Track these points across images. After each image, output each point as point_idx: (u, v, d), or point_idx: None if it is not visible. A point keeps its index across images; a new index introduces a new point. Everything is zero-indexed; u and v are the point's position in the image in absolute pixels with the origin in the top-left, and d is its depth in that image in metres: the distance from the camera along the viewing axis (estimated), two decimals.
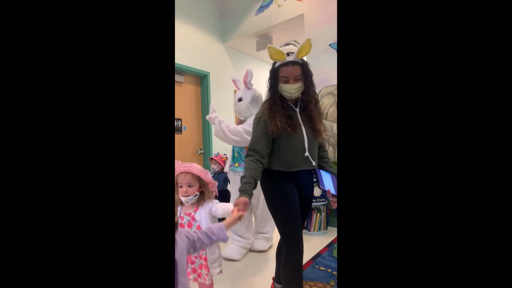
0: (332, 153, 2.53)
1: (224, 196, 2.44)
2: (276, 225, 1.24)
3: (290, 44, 3.80)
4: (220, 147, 3.23)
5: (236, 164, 2.12)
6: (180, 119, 3.21)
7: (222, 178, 2.58)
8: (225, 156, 2.62)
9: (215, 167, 2.59)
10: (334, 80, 2.57)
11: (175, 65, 3.00)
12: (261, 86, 5.23)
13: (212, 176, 2.28)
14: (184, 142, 3.27)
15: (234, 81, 2.42)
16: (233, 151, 2.20)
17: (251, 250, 2.14)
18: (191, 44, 3.20)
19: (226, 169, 2.28)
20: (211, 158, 2.77)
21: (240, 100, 2.23)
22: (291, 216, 1.18)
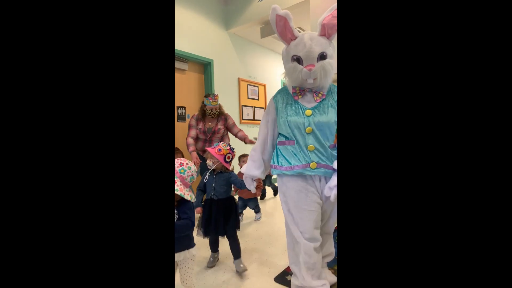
0: None
1: (230, 206, 1.68)
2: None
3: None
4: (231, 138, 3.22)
5: (313, 165, 1.21)
6: (184, 107, 3.21)
7: (222, 180, 1.68)
8: (228, 149, 1.68)
9: (210, 162, 1.68)
10: None
11: (179, 52, 2.97)
12: (267, 75, 5.13)
13: (208, 176, 1.67)
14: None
15: (280, 16, 1.17)
16: (306, 141, 1.22)
17: None
18: (194, 32, 3.16)
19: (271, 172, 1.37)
20: (206, 150, 1.80)
21: (323, 57, 1.20)
22: None
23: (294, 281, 1.34)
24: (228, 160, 1.65)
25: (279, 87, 4.60)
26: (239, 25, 3.46)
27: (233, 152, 1.69)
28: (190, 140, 2.52)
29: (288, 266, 1.58)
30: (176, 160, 1.21)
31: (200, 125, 2.56)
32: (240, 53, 3.89)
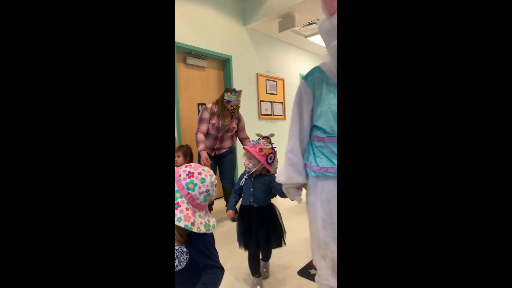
0: None
1: (272, 215, 1.41)
2: None
3: (314, 23, 3.68)
4: (250, 133, 3.24)
5: None
6: (205, 104, 3.27)
7: (262, 184, 1.40)
8: (270, 148, 1.38)
9: (249, 164, 1.40)
10: None
11: (198, 50, 3.02)
12: (285, 69, 5.09)
13: (246, 180, 1.42)
14: None
15: None
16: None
17: None
18: (212, 29, 3.19)
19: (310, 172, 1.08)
20: (245, 149, 1.42)
21: None
22: None
23: (317, 278, 1.30)
24: (270, 161, 1.37)
25: (297, 81, 4.56)
26: (256, 20, 3.46)
27: (275, 151, 1.41)
28: (201, 136, 2.17)
29: (311, 260, 1.58)
30: (181, 167, 0.79)
31: (214, 120, 2.27)
32: (258, 48, 3.89)
